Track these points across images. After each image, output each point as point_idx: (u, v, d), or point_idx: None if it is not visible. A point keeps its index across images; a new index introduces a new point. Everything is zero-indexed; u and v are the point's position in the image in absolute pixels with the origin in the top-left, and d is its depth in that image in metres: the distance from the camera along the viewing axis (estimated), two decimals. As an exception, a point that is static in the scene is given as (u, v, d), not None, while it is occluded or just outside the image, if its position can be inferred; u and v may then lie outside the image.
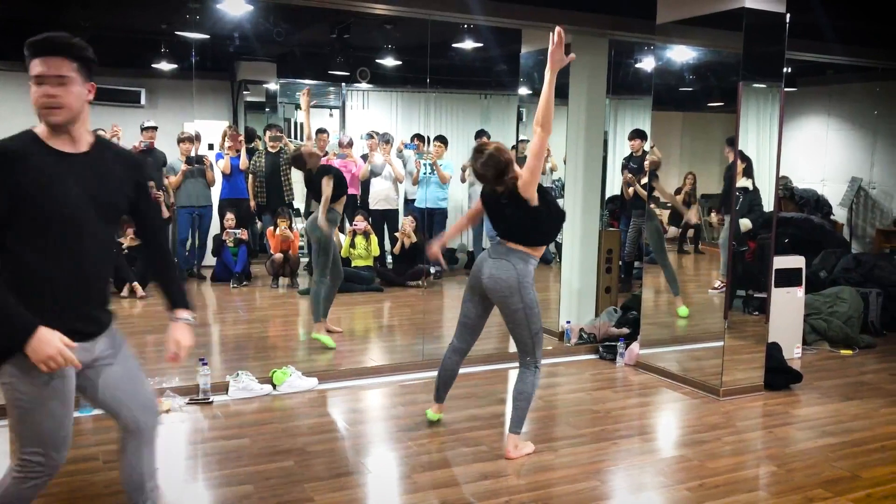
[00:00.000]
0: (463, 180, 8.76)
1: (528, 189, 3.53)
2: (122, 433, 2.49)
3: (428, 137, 8.86)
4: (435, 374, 4.15)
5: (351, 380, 4.95)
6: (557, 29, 3.25)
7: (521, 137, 7.87)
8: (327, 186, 5.51)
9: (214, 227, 8.22)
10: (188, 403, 4.38)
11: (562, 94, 6.10)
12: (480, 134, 8.86)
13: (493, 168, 3.55)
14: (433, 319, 6.62)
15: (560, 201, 7.94)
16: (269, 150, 8.23)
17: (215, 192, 8.24)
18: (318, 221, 5.57)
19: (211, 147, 8.30)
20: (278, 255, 7.81)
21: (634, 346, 5.54)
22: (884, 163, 9.30)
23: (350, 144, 8.50)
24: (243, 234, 7.83)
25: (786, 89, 5.35)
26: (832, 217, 9.45)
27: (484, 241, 8.33)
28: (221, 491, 3.32)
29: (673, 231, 6.51)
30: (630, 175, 7.60)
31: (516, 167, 3.63)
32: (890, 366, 5.68)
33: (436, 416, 4.16)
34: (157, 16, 7.41)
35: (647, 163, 6.20)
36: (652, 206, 5.93)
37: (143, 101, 8.85)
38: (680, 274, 6.01)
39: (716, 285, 5.82)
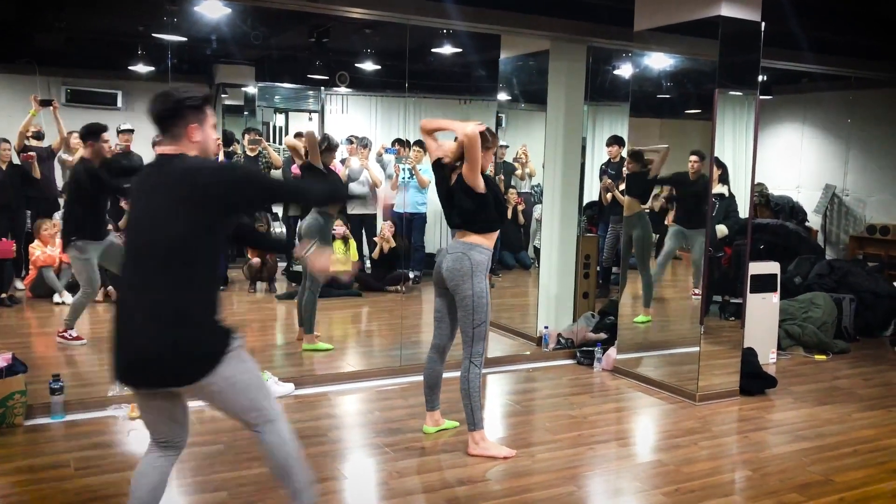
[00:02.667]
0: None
1: (471, 177, 3.71)
2: None
3: (408, 142, 8.86)
4: (413, 379, 4.14)
5: (328, 385, 4.92)
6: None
7: (500, 143, 7.90)
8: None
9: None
10: (162, 409, 4.32)
11: (540, 100, 6.13)
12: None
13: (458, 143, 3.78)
14: (412, 324, 6.61)
15: (538, 207, 7.98)
16: (248, 153, 8.18)
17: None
18: (312, 227, 5.58)
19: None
20: (256, 260, 7.76)
21: (612, 351, 5.56)
22: (857, 170, 9.43)
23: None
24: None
25: (761, 97, 5.41)
26: (807, 224, 9.56)
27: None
28: (196, 498, 3.28)
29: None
30: (609, 181, 7.64)
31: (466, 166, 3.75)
32: (863, 371, 5.75)
33: (433, 428, 4.11)
34: (133, 18, 7.34)
35: (624, 169, 6.23)
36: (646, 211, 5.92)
37: (119, 104, 8.77)
38: (658, 280, 6.04)
39: (696, 291, 5.85)
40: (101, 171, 5.46)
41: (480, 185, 3.73)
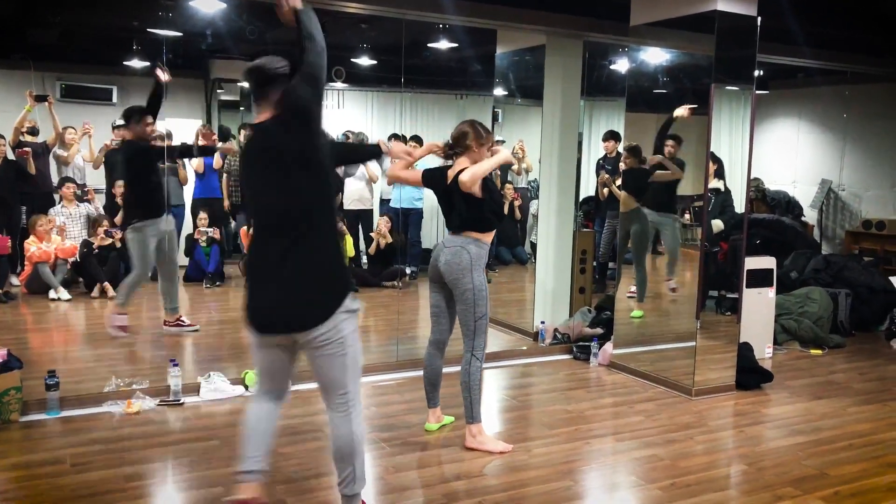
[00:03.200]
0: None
1: (469, 188, 3.71)
2: None
3: (404, 137, 8.84)
4: (410, 374, 4.14)
5: (324, 381, 4.91)
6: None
7: (496, 138, 7.89)
8: None
9: (187, 227, 8.14)
10: (159, 405, 4.33)
11: (536, 95, 6.12)
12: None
13: (455, 130, 3.83)
14: (408, 320, 6.60)
15: (535, 202, 7.98)
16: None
17: (188, 191, 8.16)
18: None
19: (184, 146, 8.21)
20: (252, 256, 7.74)
21: (608, 346, 5.56)
22: (853, 165, 9.44)
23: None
24: (216, 233, 7.75)
25: (757, 92, 5.41)
26: (803, 218, 9.57)
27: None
28: (192, 493, 3.28)
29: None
30: (607, 176, 7.64)
31: (475, 161, 3.78)
32: (858, 365, 5.77)
33: (435, 425, 4.11)
34: (128, 13, 7.30)
35: (620, 164, 6.24)
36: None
37: (114, 99, 8.73)
38: (653, 274, 6.05)
39: (670, 280, 5.85)
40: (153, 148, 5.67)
41: (478, 192, 3.73)
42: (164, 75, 5.55)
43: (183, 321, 5.92)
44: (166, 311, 5.89)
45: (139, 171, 5.65)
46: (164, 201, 5.84)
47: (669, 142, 5.49)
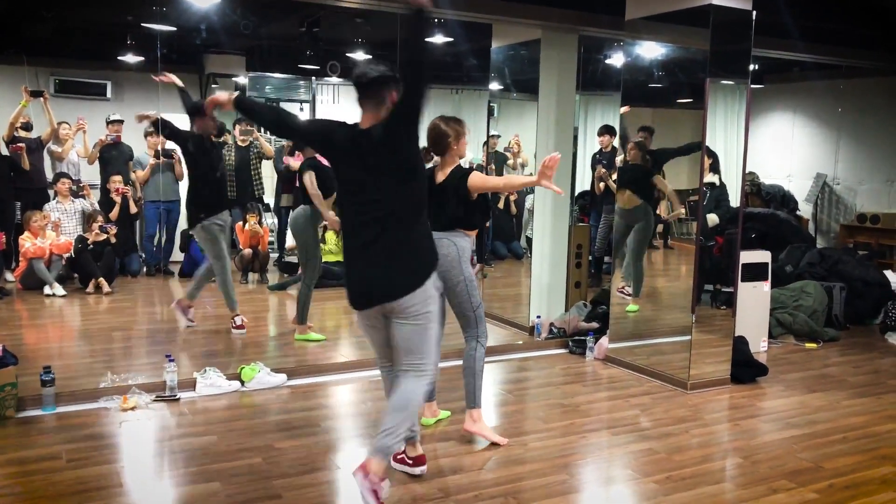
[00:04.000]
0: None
1: (476, 191, 3.74)
2: None
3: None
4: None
5: (320, 376, 4.92)
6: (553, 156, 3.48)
7: (491, 132, 7.89)
8: (311, 185, 5.48)
9: (183, 223, 8.13)
10: (155, 400, 4.32)
11: (532, 89, 6.12)
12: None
13: (429, 131, 3.78)
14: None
15: (530, 196, 7.98)
16: (239, 144, 8.14)
17: (183, 187, 8.14)
18: (298, 219, 5.59)
19: (179, 141, 8.18)
20: (247, 251, 7.74)
21: (604, 340, 5.57)
22: (847, 159, 9.47)
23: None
24: (212, 229, 7.73)
25: (752, 86, 5.41)
26: (798, 212, 9.60)
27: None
28: (188, 489, 3.28)
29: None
30: (603, 170, 7.64)
31: (459, 156, 3.81)
32: (853, 358, 5.79)
33: (432, 419, 4.11)
34: (122, 7, 7.28)
35: (617, 159, 6.24)
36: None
37: (109, 94, 8.72)
38: (650, 269, 6.06)
39: (621, 286, 5.87)
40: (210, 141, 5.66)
41: (474, 195, 3.76)
42: (169, 77, 5.52)
43: (188, 313, 5.93)
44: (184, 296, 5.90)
45: (204, 166, 5.66)
46: (225, 197, 5.89)
47: (641, 133, 5.56)
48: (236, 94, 3.18)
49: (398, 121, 2.89)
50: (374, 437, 3.04)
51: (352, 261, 3.04)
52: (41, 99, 7.38)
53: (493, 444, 3.82)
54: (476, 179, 3.73)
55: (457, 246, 3.76)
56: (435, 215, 3.82)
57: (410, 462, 3.42)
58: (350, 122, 3.08)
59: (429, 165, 3.96)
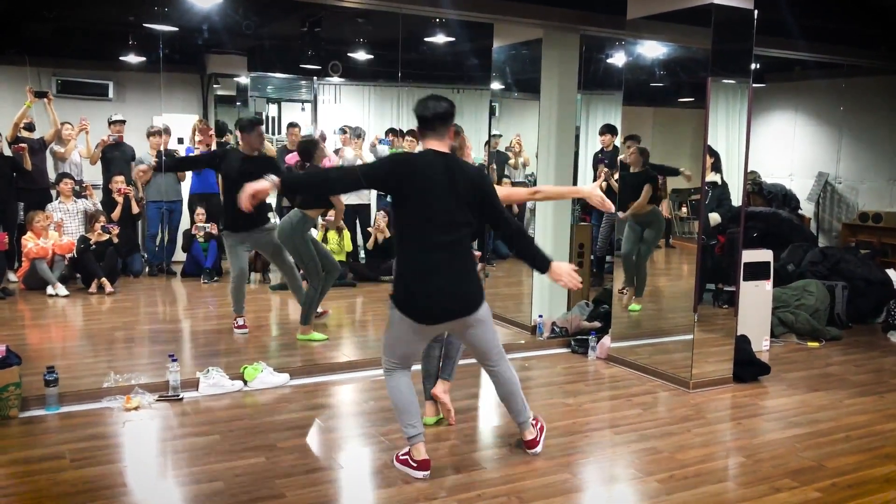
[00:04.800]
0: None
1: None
2: None
3: (401, 131, 8.83)
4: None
5: (323, 375, 4.93)
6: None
7: (493, 132, 7.90)
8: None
9: (185, 223, 8.14)
10: (158, 400, 4.33)
11: (533, 89, 6.12)
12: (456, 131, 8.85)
13: None
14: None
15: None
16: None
17: (185, 187, 8.15)
18: (284, 227, 5.60)
19: (181, 141, 8.21)
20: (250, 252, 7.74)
21: (606, 339, 5.58)
22: (849, 158, 9.46)
23: (323, 138, 8.45)
24: (213, 228, 7.75)
25: (754, 85, 5.41)
26: (800, 211, 9.59)
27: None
28: (191, 488, 3.29)
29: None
30: (605, 169, 7.64)
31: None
32: (855, 357, 5.79)
33: (433, 418, 4.11)
34: (124, 8, 7.29)
35: (620, 157, 6.24)
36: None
37: (110, 95, 8.73)
38: (651, 268, 6.06)
39: (621, 288, 5.90)
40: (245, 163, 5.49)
41: None
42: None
43: (237, 323, 5.94)
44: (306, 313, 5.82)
45: (233, 182, 5.51)
46: (257, 216, 5.53)
47: (628, 142, 5.68)
48: (277, 179, 3.31)
49: (488, 203, 3.38)
50: (516, 421, 3.68)
51: (424, 278, 3.28)
52: (45, 100, 7.40)
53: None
54: (501, 191, 3.78)
55: None
56: None
57: (415, 465, 3.42)
58: (417, 151, 3.44)
59: None
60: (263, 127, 5.80)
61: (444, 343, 4.06)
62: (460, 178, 3.29)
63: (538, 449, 3.72)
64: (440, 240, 3.27)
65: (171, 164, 6.59)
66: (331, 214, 7.86)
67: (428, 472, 3.41)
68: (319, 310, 6.03)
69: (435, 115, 3.30)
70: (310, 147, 5.71)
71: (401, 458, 3.49)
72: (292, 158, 7.57)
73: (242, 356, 5.12)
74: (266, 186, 3.26)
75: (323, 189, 4.10)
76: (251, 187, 3.25)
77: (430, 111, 3.30)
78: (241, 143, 5.69)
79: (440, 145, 3.33)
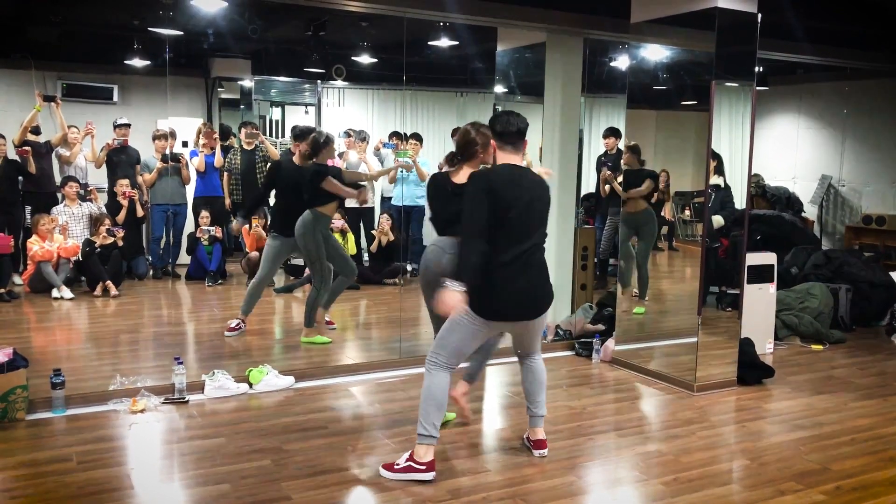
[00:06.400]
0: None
1: None
2: None
3: (405, 135, 8.85)
4: (413, 371, 4.16)
5: (328, 378, 4.94)
6: None
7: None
8: (338, 187, 5.55)
9: (189, 226, 8.16)
10: (164, 403, 4.34)
11: (537, 92, 6.14)
12: (456, 132, 8.86)
13: (459, 137, 3.90)
14: (410, 317, 6.62)
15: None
16: (245, 147, 8.17)
17: (190, 190, 8.18)
18: (300, 227, 5.58)
19: (185, 144, 8.23)
20: (254, 254, 7.76)
21: (610, 342, 5.58)
22: (853, 161, 9.45)
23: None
24: (218, 231, 7.77)
25: (757, 88, 5.43)
26: (803, 214, 9.59)
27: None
28: (198, 490, 3.30)
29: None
30: (608, 172, 7.65)
31: (484, 163, 3.83)
32: (859, 360, 5.79)
33: (451, 414, 4.14)
34: (129, 11, 7.33)
35: (623, 163, 6.26)
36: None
37: (115, 98, 8.76)
38: (654, 271, 6.07)
39: (635, 293, 5.92)
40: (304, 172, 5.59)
41: None
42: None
43: (234, 325, 5.97)
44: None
45: (283, 187, 5.69)
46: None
47: (627, 152, 5.70)
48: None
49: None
50: (533, 414, 3.73)
51: (512, 278, 3.42)
52: (52, 104, 7.43)
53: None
54: None
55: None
56: (450, 222, 3.81)
57: (423, 467, 3.41)
58: (501, 166, 3.55)
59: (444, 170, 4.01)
60: (334, 144, 5.88)
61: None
62: (537, 187, 3.53)
63: (546, 451, 3.73)
64: (522, 246, 3.43)
65: (250, 206, 6.77)
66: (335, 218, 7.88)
67: (434, 473, 3.41)
68: (327, 318, 6.04)
69: (519, 129, 3.51)
70: (318, 143, 5.69)
71: (398, 467, 3.44)
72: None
73: (248, 359, 5.13)
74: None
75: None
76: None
77: (514, 126, 3.50)
78: (294, 152, 5.76)
79: (518, 159, 3.54)
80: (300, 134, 5.77)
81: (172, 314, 6.95)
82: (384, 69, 9.20)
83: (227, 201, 8.22)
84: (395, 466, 3.44)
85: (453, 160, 3.91)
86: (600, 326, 5.86)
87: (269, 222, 5.72)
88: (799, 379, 5.23)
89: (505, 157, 3.52)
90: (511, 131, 3.50)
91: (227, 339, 5.71)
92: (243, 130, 8.22)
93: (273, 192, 5.89)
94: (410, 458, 3.43)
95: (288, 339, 5.95)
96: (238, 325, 5.82)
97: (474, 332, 3.48)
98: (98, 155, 7.89)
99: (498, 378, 5.17)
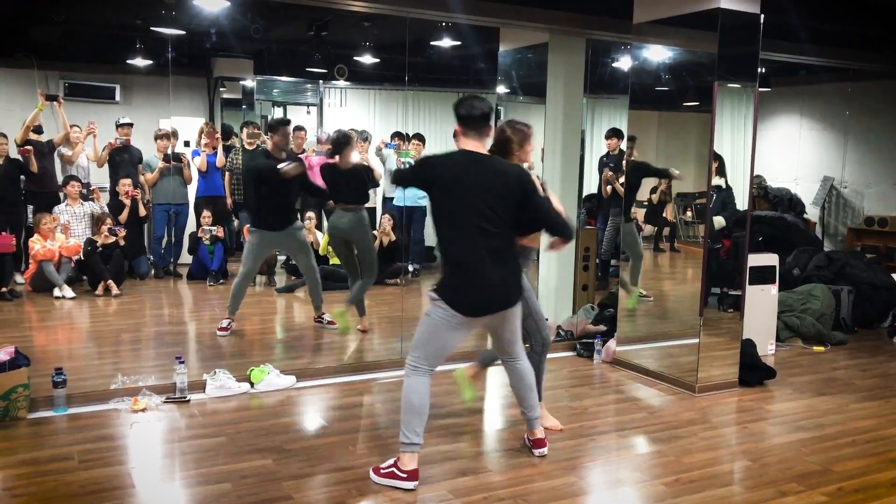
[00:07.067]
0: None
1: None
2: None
3: (407, 135, 8.84)
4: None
5: (329, 378, 4.94)
6: None
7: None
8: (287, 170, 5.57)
9: (191, 226, 8.16)
10: (165, 402, 4.35)
11: (539, 92, 6.13)
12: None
13: (496, 135, 3.84)
14: (411, 317, 6.60)
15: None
16: (247, 147, 8.16)
17: (191, 190, 8.18)
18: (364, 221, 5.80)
19: (187, 144, 8.23)
20: (255, 253, 7.75)
21: (611, 343, 5.58)
22: (855, 162, 9.45)
23: (328, 141, 8.47)
24: (219, 231, 7.77)
25: (760, 89, 5.42)
26: (805, 216, 9.58)
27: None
28: (199, 489, 3.30)
29: (648, 229, 6.58)
30: (611, 173, 7.65)
31: (520, 161, 3.83)
32: (861, 362, 5.78)
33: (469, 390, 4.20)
34: (131, 11, 7.33)
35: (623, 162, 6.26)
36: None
37: (118, 98, 8.75)
38: (655, 272, 6.06)
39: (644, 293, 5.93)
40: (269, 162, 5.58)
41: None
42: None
43: (322, 318, 6.08)
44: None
45: (260, 181, 5.63)
46: (280, 217, 5.71)
47: (629, 143, 5.73)
48: None
49: (529, 205, 3.41)
50: (527, 417, 3.71)
51: (470, 270, 3.32)
52: (55, 103, 7.44)
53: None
54: (554, 199, 3.84)
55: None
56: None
57: (404, 475, 3.35)
58: (451, 151, 3.47)
59: None
60: (290, 127, 5.89)
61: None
62: (498, 176, 3.38)
63: (546, 450, 3.72)
64: (478, 235, 3.32)
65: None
66: None
67: (417, 482, 3.34)
68: (328, 317, 6.10)
69: (483, 114, 3.41)
70: (341, 141, 5.77)
71: (383, 471, 3.40)
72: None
73: (249, 358, 5.13)
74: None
75: None
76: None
77: (479, 110, 3.40)
78: (269, 143, 5.78)
79: (479, 146, 3.43)
80: (272, 126, 5.75)
81: (174, 314, 6.95)
82: (386, 69, 9.19)
83: (229, 201, 8.21)
84: (381, 470, 3.41)
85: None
86: (602, 327, 5.86)
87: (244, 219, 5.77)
88: (800, 380, 5.23)
89: (467, 143, 3.42)
90: (475, 115, 3.40)
91: (223, 338, 5.71)
92: (245, 130, 8.21)
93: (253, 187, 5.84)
94: (395, 465, 3.38)
95: (289, 338, 5.95)
96: (229, 324, 5.82)
97: (447, 325, 3.35)
98: (100, 154, 7.89)
99: (499, 378, 5.16)
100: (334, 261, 7.88)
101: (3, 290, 6.77)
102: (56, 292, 6.97)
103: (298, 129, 8.57)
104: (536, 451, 3.73)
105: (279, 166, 5.45)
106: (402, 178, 3.69)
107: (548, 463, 3.68)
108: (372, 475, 3.43)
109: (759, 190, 9.35)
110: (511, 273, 3.43)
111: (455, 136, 3.49)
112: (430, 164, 3.51)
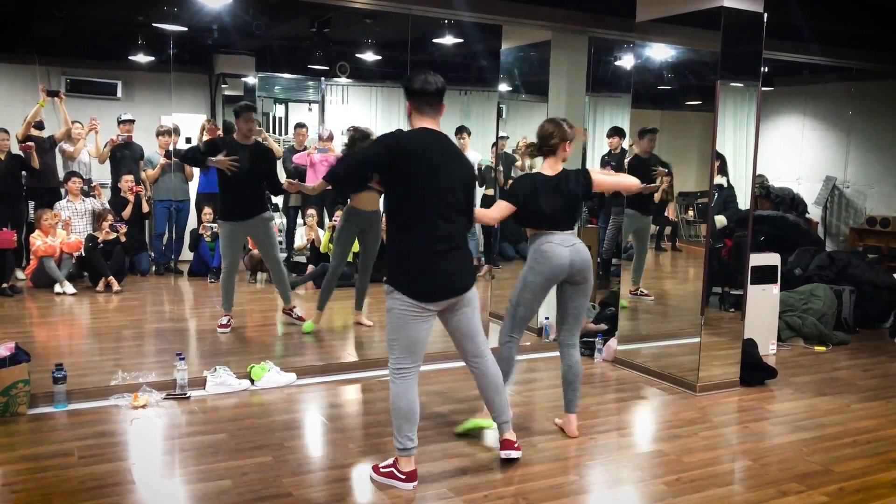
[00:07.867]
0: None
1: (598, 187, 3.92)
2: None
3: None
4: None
5: (329, 375, 4.94)
6: None
7: (500, 134, 7.89)
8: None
9: (192, 222, 8.16)
10: (165, 398, 4.34)
11: (541, 91, 6.12)
12: (461, 130, 8.85)
13: (538, 131, 3.88)
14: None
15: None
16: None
17: (193, 186, 8.18)
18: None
19: (189, 140, 8.23)
20: (256, 251, 7.76)
21: (612, 342, 5.57)
22: (857, 162, 9.43)
23: (330, 138, 8.45)
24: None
25: (763, 88, 5.41)
26: (807, 215, 9.57)
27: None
28: (199, 486, 3.30)
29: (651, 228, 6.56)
30: (613, 172, 7.63)
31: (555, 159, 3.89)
32: (862, 362, 5.77)
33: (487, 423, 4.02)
34: (133, 7, 7.32)
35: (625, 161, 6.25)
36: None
37: (119, 94, 8.76)
38: (657, 271, 6.05)
39: (641, 290, 5.92)
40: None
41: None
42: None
43: (292, 312, 6.08)
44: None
45: (223, 175, 5.57)
46: (248, 207, 5.64)
47: (648, 136, 5.74)
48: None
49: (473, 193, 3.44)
50: (497, 421, 3.59)
51: (431, 254, 3.23)
52: (56, 99, 7.43)
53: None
54: (628, 179, 4.08)
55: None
56: (556, 217, 3.85)
57: (403, 477, 3.32)
58: (406, 129, 3.35)
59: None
60: (255, 113, 5.76)
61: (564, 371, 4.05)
62: (455, 158, 3.33)
63: (517, 453, 3.60)
64: (442, 218, 3.24)
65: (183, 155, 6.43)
66: (339, 215, 7.87)
67: (416, 483, 3.32)
68: (300, 313, 6.10)
69: (438, 90, 3.27)
70: (357, 138, 5.70)
71: (382, 470, 3.38)
72: (300, 158, 7.59)
73: (249, 355, 5.12)
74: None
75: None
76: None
77: (433, 86, 3.26)
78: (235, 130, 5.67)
79: (435, 124, 3.31)
80: (235, 111, 5.62)
81: (174, 310, 6.94)
82: (388, 66, 9.18)
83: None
84: (381, 469, 3.40)
85: (534, 154, 3.95)
86: (603, 326, 5.85)
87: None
88: (802, 380, 5.22)
89: (422, 121, 3.28)
90: (430, 91, 3.24)
91: (224, 335, 5.71)
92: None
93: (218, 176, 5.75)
94: (394, 465, 3.35)
95: (290, 335, 5.94)
96: (228, 321, 5.81)
97: (411, 318, 3.25)
98: (102, 151, 7.89)
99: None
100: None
101: (4, 285, 6.77)
102: (57, 288, 6.97)
103: (300, 126, 8.58)
104: (503, 453, 3.60)
105: (210, 158, 5.43)
106: (365, 161, 3.35)
107: (548, 461, 3.67)
108: (371, 474, 3.42)
109: (762, 189, 9.33)
110: (465, 257, 3.35)
111: (409, 115, 3.32)
112: (400, 140, 3.25)
